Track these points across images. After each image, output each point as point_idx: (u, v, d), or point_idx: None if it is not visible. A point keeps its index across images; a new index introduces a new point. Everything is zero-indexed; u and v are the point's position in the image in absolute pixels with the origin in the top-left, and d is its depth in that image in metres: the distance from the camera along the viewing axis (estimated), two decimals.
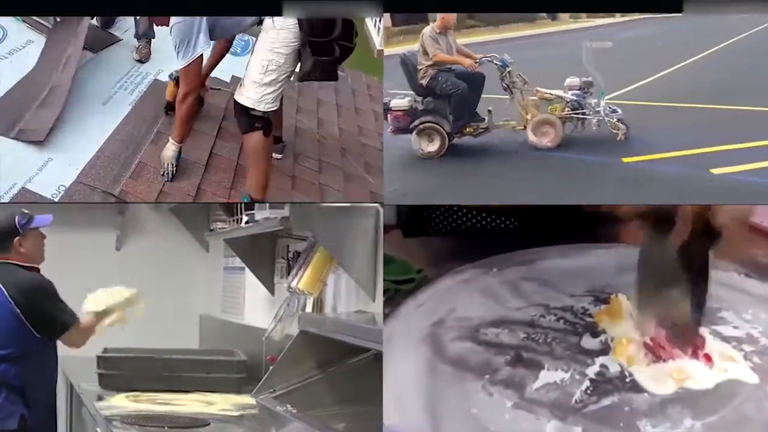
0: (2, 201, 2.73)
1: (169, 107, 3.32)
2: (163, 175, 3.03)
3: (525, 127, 4.20)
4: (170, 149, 3.04)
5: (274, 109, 2.95)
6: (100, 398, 3.10)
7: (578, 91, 4.22)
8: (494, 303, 2.16)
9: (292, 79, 2.99)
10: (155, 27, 3.62)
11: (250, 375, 3.26)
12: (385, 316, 2.13)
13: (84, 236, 3.00)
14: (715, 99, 4.88)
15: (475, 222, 2.81)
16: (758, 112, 4.49)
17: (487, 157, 4.24)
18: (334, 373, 2.67)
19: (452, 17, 4.23)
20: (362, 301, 2.76)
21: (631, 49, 6.15)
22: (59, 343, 2.94)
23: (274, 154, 3.20)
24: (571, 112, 4.18)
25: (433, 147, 4.21)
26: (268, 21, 2.84)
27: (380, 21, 4.19)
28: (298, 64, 2.90)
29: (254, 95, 2.87)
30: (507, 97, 4.25)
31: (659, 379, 1.82)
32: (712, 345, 1.91)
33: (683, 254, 1.87)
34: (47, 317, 2.86)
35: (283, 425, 2.53)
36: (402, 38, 4.86)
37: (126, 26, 3.77)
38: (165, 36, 2.99)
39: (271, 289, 3.73)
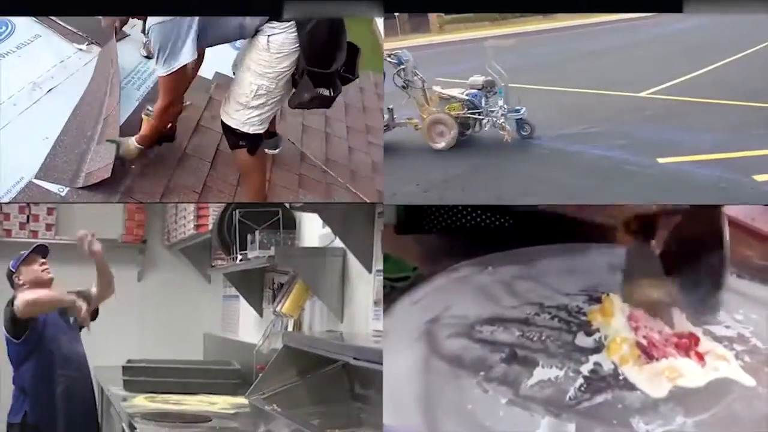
0: (3, 201, 2.66)
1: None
2: (114, 160, 2.68)
3: None
4: (134, 145, 2.77)
5: (261, 131, 2.72)
6: (124, 399, 3.70)
7: (478, 91, 4.02)
8: (489, 301, 2.18)
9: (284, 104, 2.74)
10: None
11: (244, 381, 3.86)
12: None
13: (113, 271, 3.55)
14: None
15: (470, 219, 2.80)
16: None
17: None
18: (311, 379, 3.15)
19: None
20: (332, 322, 3.35)
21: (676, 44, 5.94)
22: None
23: (267, 150, 3.09)
24: (467, 111, 4.01)
25: None
26: (262, 40, 2.55)
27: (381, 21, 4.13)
28: (292, 91, 2.66)
29: (240, 116, 2.65)
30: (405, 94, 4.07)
31: (652, 377, 1.84)
32: (704, 344, 1.93)
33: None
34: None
35: (270, 421, 2.98)
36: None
37: (133, 22, 3.71)
38: None
39: (260, 312, 4.49)
